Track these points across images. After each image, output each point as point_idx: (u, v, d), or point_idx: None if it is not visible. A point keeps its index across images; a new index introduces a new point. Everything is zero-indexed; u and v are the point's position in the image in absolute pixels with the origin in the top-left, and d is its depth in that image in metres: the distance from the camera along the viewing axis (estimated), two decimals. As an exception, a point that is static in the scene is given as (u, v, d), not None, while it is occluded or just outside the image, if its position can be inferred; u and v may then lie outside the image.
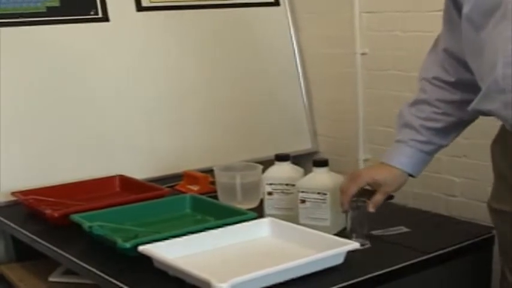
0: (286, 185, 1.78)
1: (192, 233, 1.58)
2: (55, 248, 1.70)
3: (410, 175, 1.63)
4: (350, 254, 1.48)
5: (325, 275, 1.43)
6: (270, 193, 1.80)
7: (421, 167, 1.63)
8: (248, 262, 1.49)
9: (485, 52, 1.36)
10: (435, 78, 1.57)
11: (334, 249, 1.47)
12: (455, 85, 1.54)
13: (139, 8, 2.39)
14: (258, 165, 1.97)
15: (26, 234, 1.83)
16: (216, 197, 1.96)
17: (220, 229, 1.61)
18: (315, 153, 2.63)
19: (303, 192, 1.69)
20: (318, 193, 1.67)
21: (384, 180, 1.61)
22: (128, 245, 1.52)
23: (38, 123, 2.15)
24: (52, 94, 2.19)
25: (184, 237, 1.55)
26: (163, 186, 2.07)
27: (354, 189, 1.61)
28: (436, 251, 1.60)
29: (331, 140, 2.30)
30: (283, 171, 1.81)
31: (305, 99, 2.69)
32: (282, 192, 1.79)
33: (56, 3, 2.23)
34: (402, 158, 1.61)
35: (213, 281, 1.28)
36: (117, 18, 2.33)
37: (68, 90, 2.21)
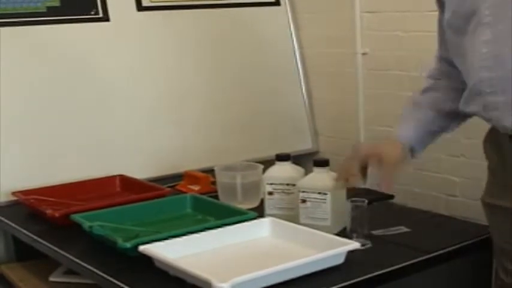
0: (287, 184, 1.78)
1: (193, 232, 1.58)
2: (55, 248, 1.70)
3: (412, 153, 1.60)
4: (350, 253, 1.48)
5: (325, 275, 1.43)
6: (270, 193, 1.80)
7: (421, 146, 1.61)
8: (248, 262, 1.49)
9: (467, 56, 1.41)
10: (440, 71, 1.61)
11: (335, 249, 1.47)
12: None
13: (140, 7, 2.39)
14: (259, 165, 1.97)
15: (26, 234, 1.83)
16: (216, 197, 1.96)
17: (220, 229, 1.61)
18: (316, 153, 2.63)
19: (303, 192, 1.69)
20: (319, 193, 1.67)
21: (382, 151, 1.56)
22: (128, 244, 1.52)
23: (38, 123, 2.15)
24: (52, 94, 2.19)
25: (185, 237, 1.55)
26: (164, 186, 2.07)
27: (354, 164, 1.58)
28: (436, 251, 1.60)
29: (332, 140, 2.30)
30: (283, 171, 1.81)
31: (305, 99, 2.69)
32: (283, 192, 1.79)
33: (56, 3, 2.23)
34: (403, 132, 1.60)
35: (214, 280, 1.28)
36: (118, 18, 2.33)
37: (68, 90, 2.21)
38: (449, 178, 2.21)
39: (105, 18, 2.31)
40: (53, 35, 2.21)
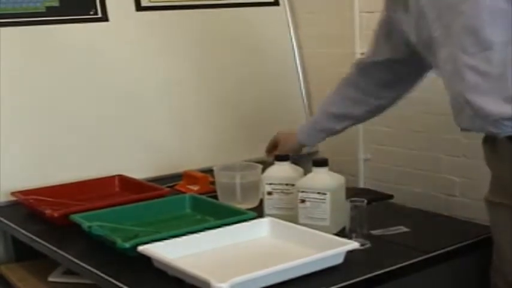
0: (286, 184, 1.78)
1: (192, 233, 1.58)
2: (55, 248, 1.70)
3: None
4: (350, 253, 1.48)
5: (324, 275, 1.43)
6: (269, 193, 1.80)
7: (313, 142, 2.02)
8: (248, 262, 1.49)
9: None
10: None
11: (334, 249, 1.47)
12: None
13: (139, 7, 2.39)
14: (258, 165, 1.97)
15: (25, 234, 1.83)
16: (215, 197, 1.96)
17: (219, 229, 1.61)
18: (315, 153, 2.62)
19: (302, 192, 1.69)
20: (318, 193, 1.67)
21: (280, 141, 2.01)
22: (127, 245, 1.51)
23: (38, 123, 2.15)
24: (52, 94, 2.19)
25: (184, 237, 1.55)
26: (163, 186, 2.07)
27: (267, 145, 2.04)
28: (436, 251, 1.60)
29: (331, 140, 2.28)
30: (283, 171, 1.81)
31: (305, 99, 2.69)
32: (282, 192, 1.79)
33: (56, 3, 2.23)
34: (300, 130, 1.98)
35: (213, 281, 1.28)
36: (117, 18, 2.33)
37: (68, 90, 2.21)
38: (449, 178, 2.21)
39: (104, 18, 2.31)
40: (52, 35, 2.21)
